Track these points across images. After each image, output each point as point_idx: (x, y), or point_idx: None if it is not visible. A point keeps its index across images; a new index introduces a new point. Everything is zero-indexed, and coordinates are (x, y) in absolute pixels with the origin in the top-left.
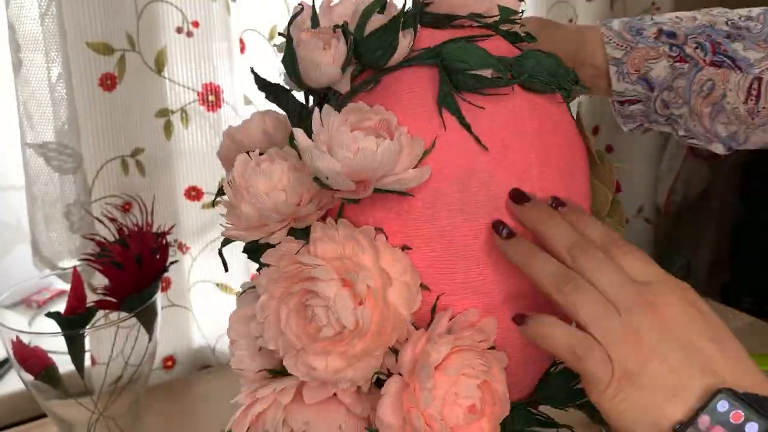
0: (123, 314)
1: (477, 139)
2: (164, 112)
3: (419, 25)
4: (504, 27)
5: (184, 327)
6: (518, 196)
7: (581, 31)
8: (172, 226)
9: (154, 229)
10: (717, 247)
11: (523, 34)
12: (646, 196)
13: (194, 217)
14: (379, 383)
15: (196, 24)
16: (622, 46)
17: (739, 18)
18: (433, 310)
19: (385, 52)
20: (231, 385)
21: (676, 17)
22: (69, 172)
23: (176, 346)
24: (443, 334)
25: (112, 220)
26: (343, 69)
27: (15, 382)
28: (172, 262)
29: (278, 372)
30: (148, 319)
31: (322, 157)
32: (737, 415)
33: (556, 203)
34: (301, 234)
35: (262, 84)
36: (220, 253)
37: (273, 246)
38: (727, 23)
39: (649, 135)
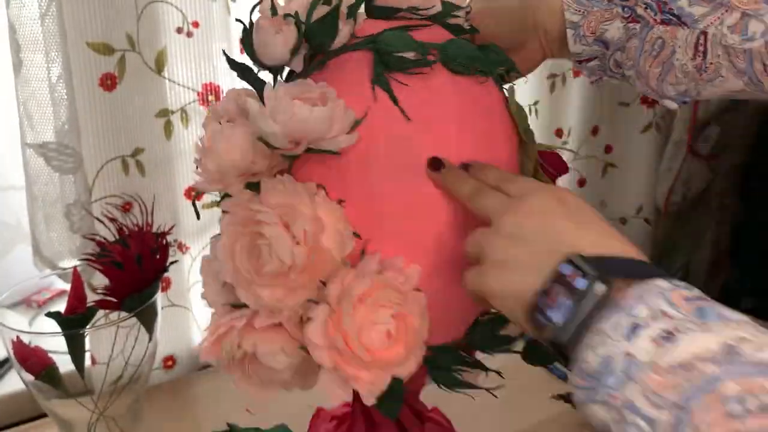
0: (123, 314)
1: (402, 111)
2: (164, 112)
3: (368, 17)
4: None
5: (184, 327)
6: (434, 163)
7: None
8: (172, 226)
9: (154, 229)
10: (716, 247)
11: (467, 27)
12: (646, 196)
13: (194, 217)
14: None
15: (196, 24)
16: (579, 11)
17: None
18: (362, 254)
19: (328, 38)
20: (231, 384)
21: None
22: (69, 172)
23: (176, 346)
24: (369, 272)
25: (113, 220)
26: (294, 51)
27: (15, 382)
28: (172, 262)
29: (237, 305)
30: (148, 319)
31: (265, 119)
32: (574, 275)
33: (464, 166)
34: (255, 188)
35: (232, 63)
36: (193, 203)
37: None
38: None
39: (649, 135)
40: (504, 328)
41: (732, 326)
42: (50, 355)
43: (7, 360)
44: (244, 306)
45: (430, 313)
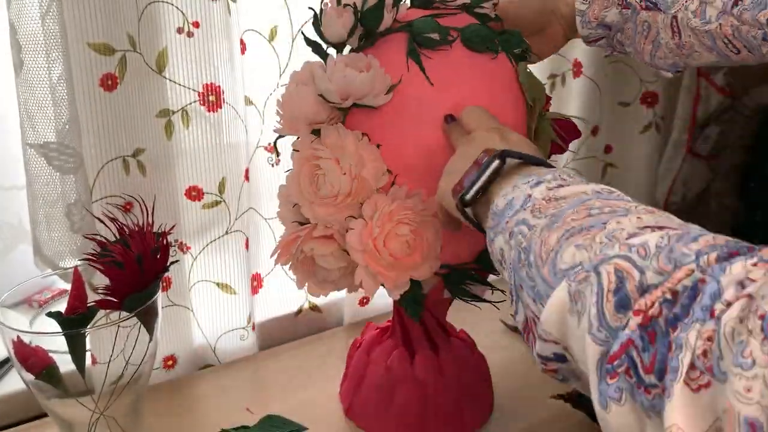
0: (124, 314)
1: (427, 78)
2: (165, 113)
3: (411, 7)
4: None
5: (184, 326)
6: (447, 118)
7: None
8: (173, 226)
9: (155, 229)
10: None
11: (493, 16)
12: (645, 196)
13: (195, 217)
14: None
15: (196, 24)
16: (586, 1)
17: None
18: (392, 185)
19: (376, 22)
20: (231, 384)
21: None
22: (70, 172)
23: (177, 346)
24: (396, 198)
25: (113, 220)
26: (351, 32)
27: (16, 381)
28: (172, 262)
29: (302, 223)
30: (148, 319)
31: (323, 80)
32: (483, 157)
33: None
34: (317, 133)
35: (308, 41)
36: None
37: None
38: None
39: (648, 135)
40: None
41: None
42: (51, 354)
43: (7, 359)
44: (307, 222)
45: (447, 237)
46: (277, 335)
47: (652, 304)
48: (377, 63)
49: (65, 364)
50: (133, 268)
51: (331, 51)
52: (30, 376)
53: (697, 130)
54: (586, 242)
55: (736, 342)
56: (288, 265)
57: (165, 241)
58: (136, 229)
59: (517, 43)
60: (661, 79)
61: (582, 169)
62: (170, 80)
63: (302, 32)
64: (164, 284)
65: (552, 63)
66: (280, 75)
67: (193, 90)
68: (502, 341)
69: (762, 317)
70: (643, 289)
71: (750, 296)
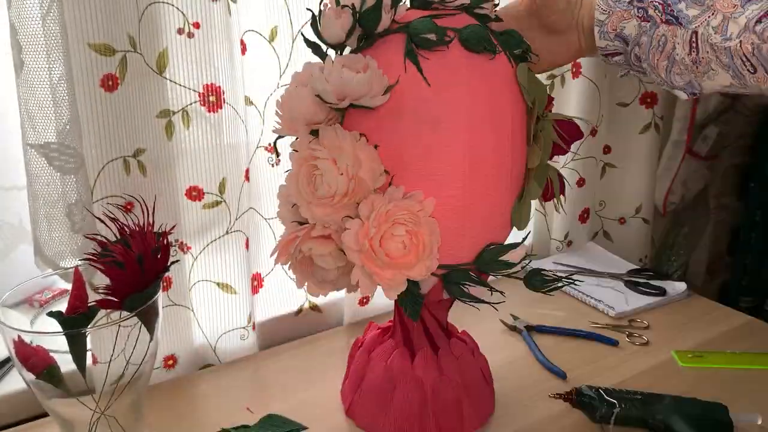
0: (124, 314)
1: (424, 78)
2: (165, 113)
3: (411, 8)
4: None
5: (185, 326)
6: None
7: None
8: (174, 226)
9: (156, 229)
10: (715, 247)
11: (493, 16)
12: (644, 196)
13: (195, 217)
14: None
15: (197, 25)
16: (606, 11)
17: None
18: (389, 186)
19: (374, 22)
20: (231, 384)
21: None
22: (70, 173)
23: (177, 346)
24: (393, 198)
25: (114, 220)
26: (350, 32)
27: (16, 381)
28: (173, 262)
29: (301, 222)
30: (149, 319)
31: (321, 81)
32: None
33: None
34: (315, 134)
35: (308, 42)
36: (275, 145)
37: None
38: None
39: (647, 136)
40: (504, 254)
41: None
42: (51, 354)
43: (8, 359)
44: (306, 222)
45: (445, 237)
46: (277, 335)
47: None
48: (375, 64)
49: (66, 363)
50: (134, 268)
51: (331, 52)
52: (31, 376)
53: (696, 131)
54: None
55: None
56: (287, 265)
57: (165, 241)
58: (137, 229)
59: (517, 44)
60: None
61: (581, 169)
62: (171, 81)
63: (302, 33)
64: (165, 284)
65: None
66: (281, 75)
67: (194, 90)
68: (502, 341)
69: None
70: None
71: None
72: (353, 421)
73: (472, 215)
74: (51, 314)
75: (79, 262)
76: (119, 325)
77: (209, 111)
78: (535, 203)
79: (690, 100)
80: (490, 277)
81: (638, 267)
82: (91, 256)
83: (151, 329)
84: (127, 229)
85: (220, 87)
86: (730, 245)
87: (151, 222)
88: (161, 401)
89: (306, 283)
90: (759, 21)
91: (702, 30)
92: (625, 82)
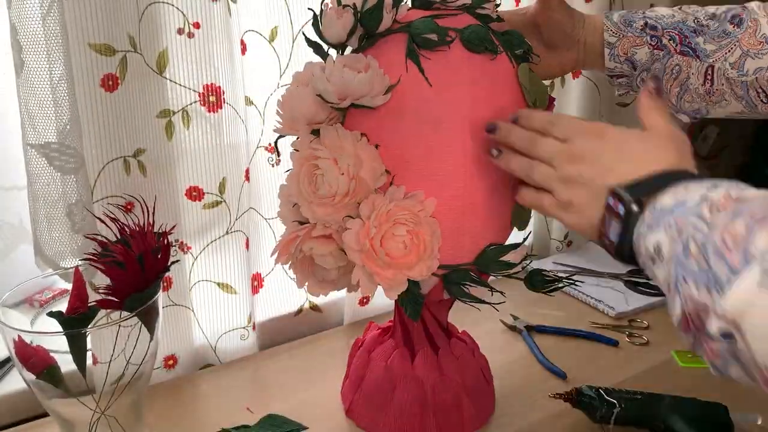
0: (125, 314)
1: (426, 78)
2: (165, 113)
3: (412, 8)
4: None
5: (185, 326)
6: (490, 128)
7: (586, 17)
8: (174, 226)
9: (156, 229)
10: None
11: (494, 17)
12: None
13: (195, 217)
14: None
15: (197, 25)
16: (616, 33)
17: (705, 16)
18: (390, 186)
19: (375, 22)
20: (231, 384)
21: (660, 14)
22: (71, 173)
23: (177, 346)
24: (393, 198)
25: (114, 220)
26: (351, 32)
27: (17, 381)
28: (173, 262)
29: (302, 222)
30: (149, 319)
31: (322, 80)
32: (615, 203)
33: (513, 119)
34: (317, 134)
35: (309, 41)
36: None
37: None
38: (694, 21)
39: None
40: (505, 254)
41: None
42: (52, 354)
43: (8, 359)
44: (307, 222)
45: (446, 237)
46: (277, 335)
47: None
48: (376, 64)
49: (66, 363)
50: (134, 268)
51: (332, 52)
52: (31, 376)
53: (696, 131)
54: None
55: None
56: (288, 265)
57: (166, 241)
58: (137, 229)
59: (518, 44)
60: None
61: None
62: (171, 81)
63: (303, 33)
64: (165, 284)
65: None
66: (281, 75)
67: (194, 90)
68: (502, 341)
69: None
70: None
71: None
72: (353, 421)
73: (473, 215)
74: (51, 314)
75: (80, 262)
76: (119, 325)
77: (209, 111)
78: None
79: (689, 121)
80: (491, 277)
81: (638, 267)
82: (91, 256)
83: (151, 329)
84: (127, 229)
85: (220, 87)
86: None
87: (151, 222)
88: (161, 401)
89: (306, 283)
90: None
91: (719, 65)
92: None
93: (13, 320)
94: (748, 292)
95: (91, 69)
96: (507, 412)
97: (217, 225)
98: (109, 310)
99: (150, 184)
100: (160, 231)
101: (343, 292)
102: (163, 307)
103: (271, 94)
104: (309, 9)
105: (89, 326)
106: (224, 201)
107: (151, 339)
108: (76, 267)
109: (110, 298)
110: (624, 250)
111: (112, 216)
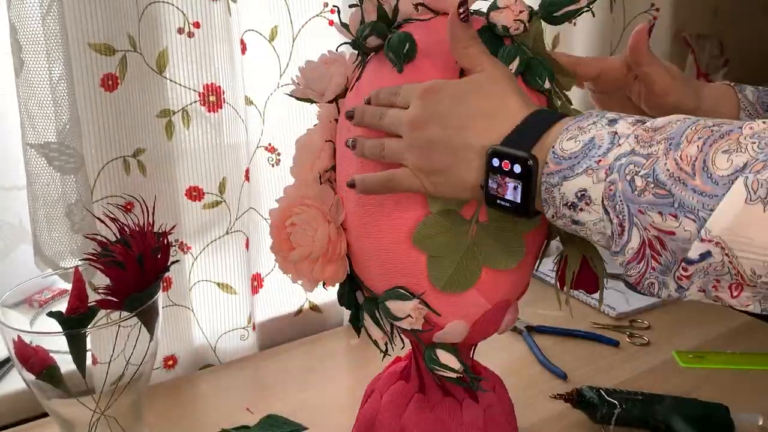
0: (124, 314)
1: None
2: (165, 113)
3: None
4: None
5: (185, 326)
6: (348, 114)
7: (715, 89)
8: (174, 226)
9: (156, 229)
10: None
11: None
12: None
13: (195, 217)
14: None
15: (197, 25)
16: (753, 115)
17: None
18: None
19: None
20: (231, 384)
21: None
22: (70, 172)
23: (177, 346)
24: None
25: (114, 220)
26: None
27: (16, 381)
28: (173, 262)
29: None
30: (149, 319)
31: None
32: (506, 163)
33: (366, 100)
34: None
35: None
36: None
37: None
38: None
39: None
40: None
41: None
42: (51, 354)
43: (8, 359)
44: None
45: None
46: (277, 335)
47: None
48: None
49: (66, 363)
50: (134, 268)
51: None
52: (30, 376)
53: None
54: (732, 146)
55: None
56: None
57: (165, 241)
58: (137, 229)
59: (540, 74)
60: None
61: None
62: (171, 80)
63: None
64: (165, 284)
65: None
66: (281, 75)
67: (194, 90)
68: (502, 341)
69: None
70: None
71: None
72: None
73: None
74: (51, 314)
75: (79, 262)
76: (119, 325)
77: (209, 111)
78: None
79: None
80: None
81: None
82: (91, 256)
83: (151, 329)
84: (127, 229)
85: (220, 87)
86: None
87: (151, 222)
88: (161, 401)
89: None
90: None
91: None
92: None
93: (13, 320)
94: (737, 211)
95: (91, 69)
96: None
97: (217, 225)
98: (108, 310)
99: (150, 184)
100: (160, 231)
101: None
102: (162, 307)
103: (271, 94)
104: (350, 6)
105: (89, 326)
106: (224, 201)
107: (151, 339)
108: (76, 267)
109: (110, 298)
110: (529, 207)
111: (112, 216)
